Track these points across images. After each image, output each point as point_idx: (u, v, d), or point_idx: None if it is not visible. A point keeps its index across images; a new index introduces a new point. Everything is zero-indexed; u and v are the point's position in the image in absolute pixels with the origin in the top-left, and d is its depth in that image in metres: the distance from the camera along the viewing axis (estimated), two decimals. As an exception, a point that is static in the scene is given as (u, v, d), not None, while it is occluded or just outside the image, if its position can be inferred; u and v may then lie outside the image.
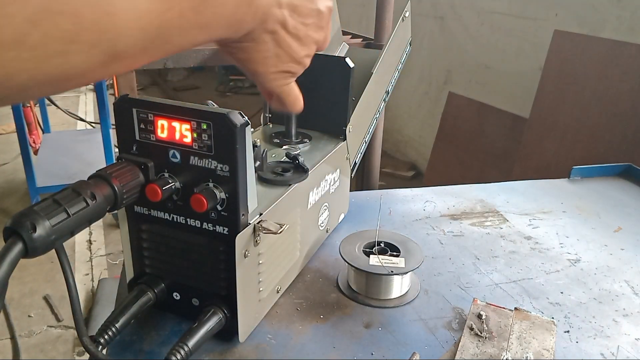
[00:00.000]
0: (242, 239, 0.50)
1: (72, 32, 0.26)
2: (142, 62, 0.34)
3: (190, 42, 0.36)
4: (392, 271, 0.61)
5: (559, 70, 1.99)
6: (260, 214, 0.53)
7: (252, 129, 0.49)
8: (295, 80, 0.51)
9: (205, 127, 0.47)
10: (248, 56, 0.44)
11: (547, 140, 2.01)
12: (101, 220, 0.49)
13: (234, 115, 0.46)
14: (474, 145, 2.48)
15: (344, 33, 1.52)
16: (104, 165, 0.47)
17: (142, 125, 0.49)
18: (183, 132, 0.48)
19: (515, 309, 0.59)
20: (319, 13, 0.46)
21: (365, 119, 0.80)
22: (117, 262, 2.33)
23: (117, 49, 0.30)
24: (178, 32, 0.34)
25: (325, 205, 0.72)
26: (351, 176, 0.81)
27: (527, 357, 0.52)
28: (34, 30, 0.24)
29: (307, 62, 0.49)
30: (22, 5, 0.23)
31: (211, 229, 0.50)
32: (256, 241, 0.52)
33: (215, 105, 0.49)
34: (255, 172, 0.52)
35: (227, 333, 0.54)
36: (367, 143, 0.85)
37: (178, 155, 0.49)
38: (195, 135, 0.47)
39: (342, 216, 0.81)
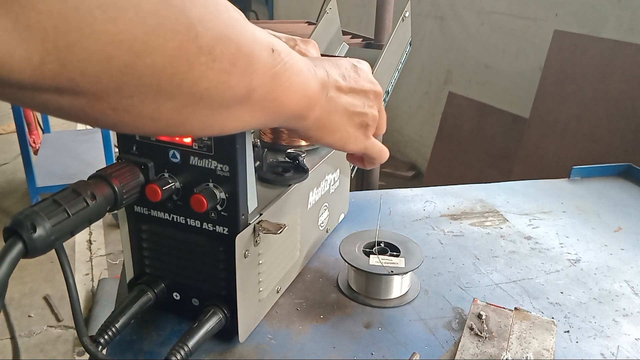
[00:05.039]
0: (242, 239, 0.50)
1: (234, 55, 0.32)
2: (253, 119, 0.37)
3: (286, 104, 0.39)
4: (392, 271, 0.61)
5: (559, 70, 1.99)
6: (260, 214, 0.53)
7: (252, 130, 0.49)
8: None
9: (205, 127, 0.47)
10: (330, 140, 0.48)
11: (547, 140, 2.01)
12: (101, 220, 0.49)
13: (234, 115, 0.46)
14: (474, 145, 2.47)
15: (344, 33, 1.52)
16: (104, 165, 0.47)
17: (142, 125, 0.49)
18: (183, 132, 0.48)
19: (515, 309, 0.59)
20: (354, 68, 0.50)
21: (365, 119, 0.80)
22: (117, 262, 2.33)
23: (251, 85, 0.34)
24: (278, 88, 0.37)
25: (325, 205, 0.72)
26: (351, 176, 0.81)
27: (527, 357, 0.52)
28: (220, 45, 0.30)
29: (372, 110, 0.50)
30: (213, 26, 0.30)
31: (211, 229, 0.50)
32: (256, 241, 0.52)
33: None
34: (255, 172, 0.52)
35: (227, 333, 0.54)
36: (367, 143, 0.85)
37: (178, 155, 0.49)
38: (195, 135, 0.47)
39: (342, 216, 0.81)
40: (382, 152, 0.54)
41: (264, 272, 0.56)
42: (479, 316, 0.58)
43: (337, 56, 0.76)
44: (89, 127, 3.79)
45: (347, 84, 0.48)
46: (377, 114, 0.51)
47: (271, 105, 0.38)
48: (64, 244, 0.41)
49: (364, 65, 0.51)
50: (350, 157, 0.57)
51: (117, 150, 2.39)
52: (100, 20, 0.24)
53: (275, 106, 0.38)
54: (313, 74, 0.43)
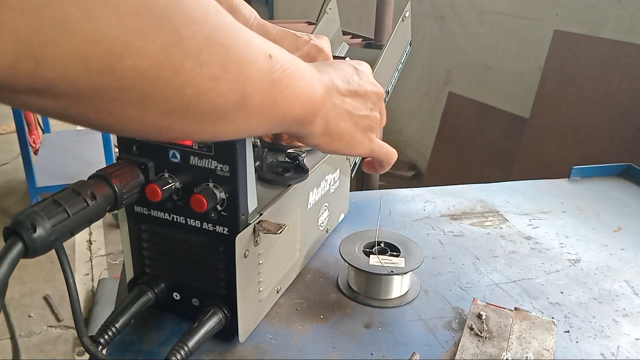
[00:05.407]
0: (242, 239, 0.50)
1: (225, 61, 0.31)
2: (251, 125, 0.36)
3: (288, 109, 0.38)
4: (392, 271, 0.61)
5: (559, 70, 1.99)
6: (260, 214, 0.53)
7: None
8: None
9: (205, 127, 0.47)
10: (337, 146, 0.48)
11: (547, 140, 2.01)
12: (101, 220, 0.50)
13: (234, 115, 0.46)
14: (474, 145, 2.47)
15: (344, 33, 1.52)
16: (104, 165, 0.47)
17: (142, 125, 0.49)
18: (183, 132, 0.48)
19: (515, 309, 0.59)
20: (356, 71, 0.49)
21: (365, 119, 0.80)
22: (117, 262, 2.33)
23: (246, 92, 0.33)
24: (278, 94, 0.37)
25: (325, 205, 0.72)
26: (351, 176, 0.81)
27: (527, 357, 0.52)
28: (207, 49, 0.29)
29: (375, 113, 0.50)
30: (199, 30, 0.29)
31: (211, 229, 0.50)
32: (256, 241, 0.52)
33: None
34: (255, 172, 0.52)
35: (227, 333, 0.54)
36: (367, 143, 0.85)
37: (178, 155, 0.49)
38: (195, 135, 0.47)
39: (342, 216, 0.81)
40: (390, 154, 0.54)
41: (264, 272, 0.56)
42: (479, 316, 0.58)
43: (337, 57, 0.76)
44: (89, 127, 3.80)
45: (350, 87, 0.47)
46: (379, 116, 0.51)
47: (270, 112, 0.37)
48: (64, 244, 0.41)
49: (365, 68, 0.51)
50: (366, 164, 0.57)
51: (117, 150, 2.39)
52: (75, 17, 0.23)
53: (274, 112, 0.37)
54: (317, 79, 0.42)
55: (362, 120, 0.49)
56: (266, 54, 0.35)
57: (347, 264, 0.63)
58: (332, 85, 0.45)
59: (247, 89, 0.33)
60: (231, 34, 0.32)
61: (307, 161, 0.64)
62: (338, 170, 0.74)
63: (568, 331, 0.59)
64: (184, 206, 0.50)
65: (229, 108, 0.33)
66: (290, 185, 0.60)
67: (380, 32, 1.80)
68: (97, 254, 2.41)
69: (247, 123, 0.36)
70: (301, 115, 0.40)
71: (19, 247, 0.36)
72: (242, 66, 0.32)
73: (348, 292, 0.64)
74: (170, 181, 0.49)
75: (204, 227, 0.51)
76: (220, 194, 0.48)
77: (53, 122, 3.34)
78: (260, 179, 0.60)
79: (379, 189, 1.05)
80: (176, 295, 0.56)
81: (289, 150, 0.65)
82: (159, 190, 0.48)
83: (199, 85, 0.30)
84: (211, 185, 0.48)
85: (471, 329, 0.56)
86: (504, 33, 2.55)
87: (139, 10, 0.26)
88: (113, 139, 2.52)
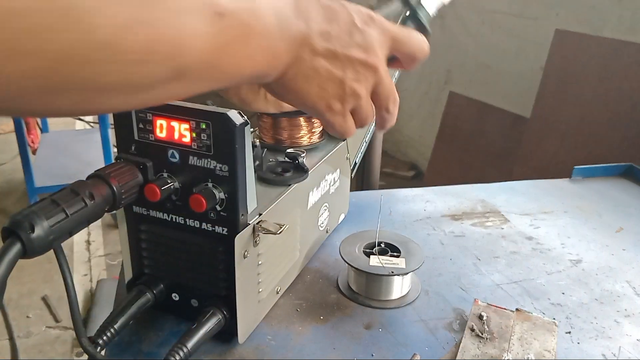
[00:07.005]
0: (241, 239, 0.49)
1: (151, 42, 0.28)
2: (195, 88, 0.34)
3: (238, 72, 0.35)
4: (392, 272, 0.60)
5: (560, 70, 1.98)
6: (260, 214, 0.53)
7: (252, 129, 0.49)
8: None
9: (204, 126, 0.46)
10: (291, 95, 0.42)
11: (548, 140, 2.01)
12: (100, 220, 0.49)
13: (233, 115, 0.46)
14: (475, 145, 2.47)
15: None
16: (103, 165, 0.47)
17: (140, 125, 0.49)
18: (182, 131, 0.47)
19: (517, 309, 0.59)
20: (351, 27, 0.41)
21: (365, 119, 0.80)
22: (116, 263, 2.32)
23: (182, 66, 0.31)
24: (227, 59, 0.33)
25: (325, 206, 0.72)
26: (351, 176, 0.81)
27: (528, 358, 0.52)
28: (126, 35, 0.26)
29: (353, 84, 0.42)
30: (115, 13, 0.26)
31: (210, 229, 0.50)
32: (255, 242, 0.52)
33: (215, 105, 0.49)
34: (255, 172, 0.52)
35: (227, 334, 0.53)
36: (367, 143, 0.85)
37: (177, 155, 0.48)
38: (194, 135, 0.47)
39: (342, 216, 0.81)
40: (346, 130, 0.46)
41: (263, 273, 0.55)
42: (480, 317, 0.58)
43: None
44: (87, 126, 3.80)
45: (329, 46, 0.39)
46: (360, 91, 0.43)
47: (216, 75, 0.34)
48: (62, 244, 0.40)
49: (372, 26, 0.42)
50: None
51: (115, 150, 2.38)
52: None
53: (221, 74, 0.34)
54: (286, 33, 0.37)
55: (331, 87, 0.41)
56: (210, 14, 0.31)
57: (347, 264, 0.62)
58: (306, 39, 0.38)
59: (183, 62, 0.30)
60: (160, 6, 0.28)
61: (307, 161, 0.64)
62: (338, 170, 0.74)
63: (569, 332, 0.59)
64: (183, 206, 0.50)
65: (161, 82, 0.30)
66: (290, 185, 0.60)
67: (380, 32, 1.79)
68: (96, 254, 2.41)
69: (186, 89, 0.33)
70: (256, 72, 0.37)
71: (17, 247, 0.36)
72: (174, 41, 0.29)
73: (348, 293, 0.64)
74: (169, 181, 0.49)
75: (203, 227, 0.50)
76: (220, 194, 0.48)
77: (51, 122, 3.34)
78: (260, 179, 0.59)
79: (379, 189, 1.05)
80: (175, 296, 0.55)
81: (289, 150, 0.65)
82: (158, 190, 0.47)
83: (118, 72, 0.27)
84: (210, 185, 0.48)
85: (472, 330, 0.56)
86: (504, 32, 2.55)
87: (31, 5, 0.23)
88: (112, 138, 2.51)
